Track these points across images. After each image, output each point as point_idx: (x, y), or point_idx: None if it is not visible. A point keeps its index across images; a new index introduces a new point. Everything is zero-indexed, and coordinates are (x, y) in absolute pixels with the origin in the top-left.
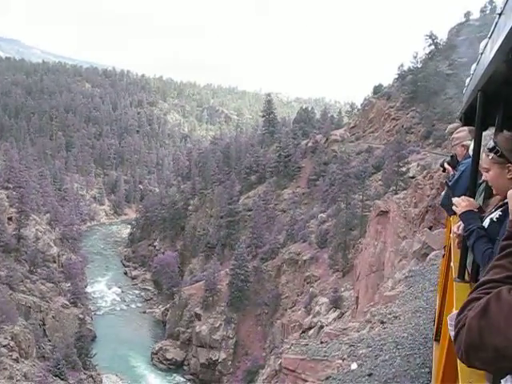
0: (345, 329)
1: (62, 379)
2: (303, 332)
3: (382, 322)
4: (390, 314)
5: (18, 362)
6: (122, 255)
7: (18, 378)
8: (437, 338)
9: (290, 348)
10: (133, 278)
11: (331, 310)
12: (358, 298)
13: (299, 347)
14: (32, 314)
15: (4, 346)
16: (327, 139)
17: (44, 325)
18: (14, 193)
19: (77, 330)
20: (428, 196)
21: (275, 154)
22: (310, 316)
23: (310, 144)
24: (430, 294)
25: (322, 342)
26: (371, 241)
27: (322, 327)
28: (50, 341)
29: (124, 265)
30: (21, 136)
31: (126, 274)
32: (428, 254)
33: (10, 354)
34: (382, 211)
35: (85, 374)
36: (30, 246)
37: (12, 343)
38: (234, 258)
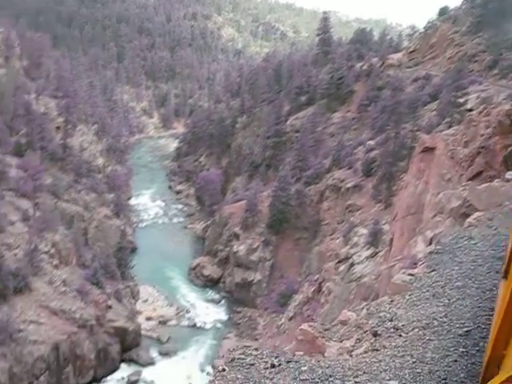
0: (326, 329)
1: (100, 287)
2: (339, 262)
3: (375, 335)
4: (390, 320)
5: (57, 268)
6: (167, 169)
7: (58, 283)
8: (505, 276)
9: (226, 371)
10: (177, 193)
11: (367, 245)
12: (392, 239)
13: (240, 372)
14: (75, 223)
15: (45, 253)
16: (383, 63)
17: (86, 234)
18: (64, 102)
19: (118, 240)
20: (482, 135)
21: (328, 76)
22: (348, 247)
23: (364, 67)
24: (455, 293)
25: (273, 366)
26: (412, 179)
27: (352, 264)
28: (91, 249)
29: (169, 179)
30: (73, 45)
31: (170, 188)
32: (468, 215)
33: (51, 260)
34: (426, 147)
35: (122, 283)
36: (76, 155)
37: (52, 250)
38: (278, 179)
